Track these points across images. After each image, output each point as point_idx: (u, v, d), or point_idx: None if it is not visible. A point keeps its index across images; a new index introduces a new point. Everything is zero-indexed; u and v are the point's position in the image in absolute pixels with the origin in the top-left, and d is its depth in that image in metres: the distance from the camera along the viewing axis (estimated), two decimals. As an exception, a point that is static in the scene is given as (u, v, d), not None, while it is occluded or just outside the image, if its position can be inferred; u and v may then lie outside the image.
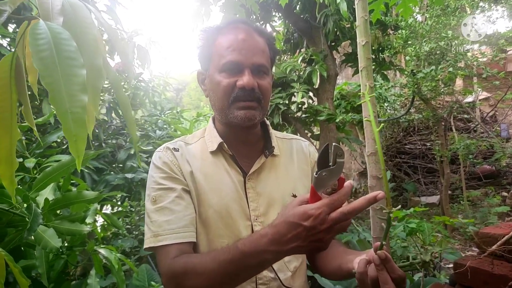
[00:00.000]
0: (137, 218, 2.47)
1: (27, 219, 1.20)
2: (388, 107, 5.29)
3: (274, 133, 1.10)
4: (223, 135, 1.02)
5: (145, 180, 2.88)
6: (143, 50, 2.55)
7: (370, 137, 1.40)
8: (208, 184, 0.96)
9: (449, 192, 4.70)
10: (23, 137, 1.89)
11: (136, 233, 2.41)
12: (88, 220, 1.39)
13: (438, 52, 3.50)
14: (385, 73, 4.49)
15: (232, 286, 0.80)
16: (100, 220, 2.41)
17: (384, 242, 0.75)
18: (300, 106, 4.44)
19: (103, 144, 3.05)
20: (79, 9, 0.60)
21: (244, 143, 1.04)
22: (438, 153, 4.24)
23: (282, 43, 4.97)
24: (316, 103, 4.58)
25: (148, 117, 4.07)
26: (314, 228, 0.67)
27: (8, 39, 2.32)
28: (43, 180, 1.29)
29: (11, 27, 2.44)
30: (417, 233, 1.68)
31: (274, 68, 4.75)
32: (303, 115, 4.54)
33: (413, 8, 1.85)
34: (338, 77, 4.54)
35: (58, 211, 1.36)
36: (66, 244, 1.42)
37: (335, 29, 3.83)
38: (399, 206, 0.79)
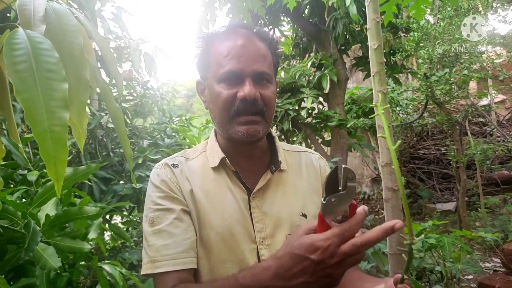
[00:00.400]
0: (145, 229, 2.42)
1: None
2: (400, 112, 5.17)
3: (281, 145, 1.02)
4: (225, 149, 0.95)
5: (153, 189, 2.84)
6: (149, 57, 2.51)
7: (384, 146, 1.33)
8: (209, 203, 0.89)
9: (466, 198, 4.56)
10: (29, 149, 1.85)
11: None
12: (91, 236, 1.34)
13: (452, 54, 3.39)
14: (397, 76, 4.40)
15: None
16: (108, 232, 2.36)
17: (405, 276, 0.68)
18: (310, 111, 4.37)
19: (111, 154, 3.02)
20: (64, 16, 0.55)
21: (248, 157, 0.96)
22: (453, 158, 4.11)
23: (291, 48, 4.92)
24: (326, 108, 4.51)
25: (156, 125, 4.05)
26: (323, 263, 0.60)
27: None
28: (44, 194, 1.24)
29: None
30: (437, 248, 1.59)
31: (282, 73, 4.70)
32: (314, 121, 4.47)
33: (426, 9, 1.78)
34: (348, 81, 4.47)
35: (61, 226, 1.31)
36: (69, 260, 1.37)
37: (345, 33, 3.76)
38: (422, 236, 0.71)
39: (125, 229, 2.72)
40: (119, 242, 2.76)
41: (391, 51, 3.93)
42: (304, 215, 0.92)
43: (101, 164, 1.70)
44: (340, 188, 0.60)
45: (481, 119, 5.58)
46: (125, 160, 3.12)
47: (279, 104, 4.01)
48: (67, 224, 1.45)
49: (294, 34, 4.70)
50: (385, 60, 3.93)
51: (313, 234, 0.62)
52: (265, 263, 0.67)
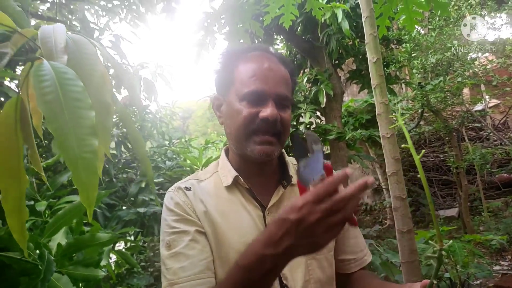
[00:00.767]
0: (152, 254, 2.40)
1: (40, 267, 1.15)
2: (397, 121, 5.22)
3: (290, 160, 1.04)
4: (237, 167, 0.96)
5: (158, 213, 2.82)
6: (149, 82, 2.55)
7: (390, 156, 1.34)
8: (226, 223, 0.90)
9: (468, 203, 4.57)
10: (33, 179, 1.85)
11: (152, 270, 2.33)
12: (102, 263, 1.33)
13: (444, 63, 3.46)
14: (391, 87, 4.46)
15: None
16: (113, 257, 2.34)
17: (434, 281, 0.68)
18: (308, 126, 4.40)
19: (114, 179, 3.02)
20: (83, 45, 0.57)
21: (260, 175, 0.97)
22: (453, 164, 4.14)
23: (285, 65, 4.97)
24: (324, 122, 4.54)
25: (157, 148, 4.06)
26: (303, 220, 0.60)
27: (17, 82, 2.33)
28: (55, 224, 1.24)
29: (19, 69, 2.46)
30: (448, 254, 1.59)
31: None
32: (312, 136, 4.48)
33: (417, 20, 1.83)
34: (343, 94, 4.52)
35: (73, 254, 1.31)
36: (80, 290, 1.36)
37: (338, 48, 3.82)
38: (450, 241, 0.72)
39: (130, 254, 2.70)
40: (123, 268, 2.74)
41: (385, 63, 3.99)
42: None
43: (111, 190, 1.70)
44: (308, 154, 0.63)
45: (477, 124, 5.64)
46: (128, 185, 3.11)
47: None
48: (74, 253, 1.45)
49: (288, 52, 4.77)
50: (379, 72, 4.01)
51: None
52: (256, 237, 0.69)
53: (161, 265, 0.89)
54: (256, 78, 0.88)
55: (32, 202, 1.62)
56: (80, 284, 1.31)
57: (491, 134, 5.66)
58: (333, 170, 0.65)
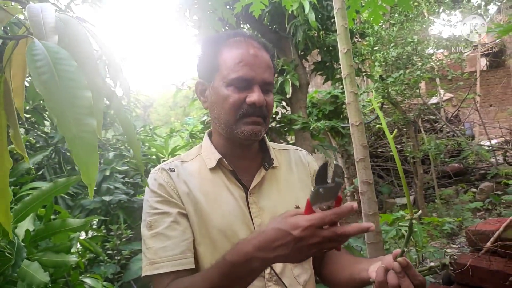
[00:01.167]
0: (118, 242, 2.36)
1: (7, 254, 1.12)
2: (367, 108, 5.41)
3: (271, 144, 1.07)
4: (221, 150, 0.99)
5: (123, 202, 2.78)
6: (115, 66, 2.46)
7: (358, 143, 1.41)
8: (209, 203, 0.93)
9: (423, 191, 4.84)
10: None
11: (118, 258, 2.30)
12: (73, 249, 1.31)
13: (405, 56, 3.62)
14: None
15: None
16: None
17: (405, 249, 0.74)
18: (274, 116, 4.45)
19: (76, 167, 2.93)
20: (73, 26, 0.56)
21: (243, 158, 1.01)
22: (410, 154, 4.36)
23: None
24: (289, 112, 4.61)
25: (120, 136, 3.96)
26: (303, 240, 0.66)
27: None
28: (22, 210, 1.20)
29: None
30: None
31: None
32: (278, 125, 4.56)
33: (382, 15, 1.90)
34: (308, 85, 4.60)
35: (43, 240, 1.27)
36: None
37: (305, 39, 3.89)
38: (420, 212, 0.79)
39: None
40: (84, 259, 2.67)
41: (348, 55, 4.10)
42: (298, 207, 0.97)
43: (79, 176, 1.65)
44: (329, 181, 0.67)
45: (432, 117, 5.95)
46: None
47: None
48: (43, 240, 1.41)
49: (255, 41, 4.79)
50: (343, 64, 4.12)
51: (299, 215, 0.69)
52: (249, 237, 0.73)
53: (142, 244, 0.91)
54: (243, 64, 0.90)
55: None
56: (50, 271, 1.29)
57: (445, 126, 6.00)
58: (341, 202, 0.69)
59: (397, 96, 4.04)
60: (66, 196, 2.62)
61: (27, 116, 2.64)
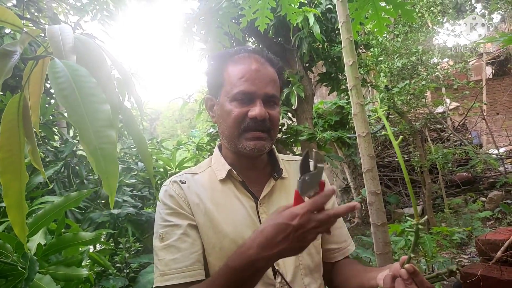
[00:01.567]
0: (127, 255, 2.37)
1: (19, 268, 1.13)
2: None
3: (279, 156, 1.09)
4: (231, 162, 1.01)
5: (131, 215, 2.79)
6: (126, 79, 2.51)
7: (365, 154, 1.42)
8: (220, 214, 0.94)
9: (431, 201, 4.80)
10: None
11: (127, 271, 2.31)
12: (83, 263, 1.32)
13: (409, 67, 3.64)
14: (360, 90, 4.61)
15: None
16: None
17: (412, 255, 0.75)
18: (280, 127, 4.47)
19: (85, 181, 2.96)
20: (90, 45, 0.59)
21: (253, 169, 1.03)
22: (417, 163, 4.34)
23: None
24: (295, 123, 4.64)
25: (128, 150, 3.99)
26: (302, 227, 0.68)
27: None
28: (35, 224, 1.22)
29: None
30: (419, 245, 1.69)
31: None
32: (284, 136, 4.57)
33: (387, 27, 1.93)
34: (314, 96, 4.63)
35: (54, 254, 1.29)
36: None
37: (309, 51, 3.93)
38: (426, 217, 0.79)
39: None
40: (94, 271, 2.68)
41: (353, 66, 4.13)
42: None
43: (93, 189, 1.68)
44: (311, 169, 0.70)
45: (439, 126, 5.94)
46: (101, 186, 3.05)
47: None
48: (55, 253, 1.42)
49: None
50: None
51: (291, 207, 0.71)
52: (248, 240, 0.74)
53: (154, 255, 0.93)
54: (244, 80, 0.93)
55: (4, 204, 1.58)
56: (61, 284, 1.30)
57: (452, 135, 5.98)
58: (324, 187, 0.72)
59: (403, 106, 4.04)
60: (76, 210, 2.64)
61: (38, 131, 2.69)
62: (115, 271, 2.29)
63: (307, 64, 4.36)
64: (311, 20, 3.26)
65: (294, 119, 4.64)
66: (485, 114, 6.99)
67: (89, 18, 3.04)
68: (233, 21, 2.24)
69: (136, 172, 3.54)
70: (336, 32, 3.91)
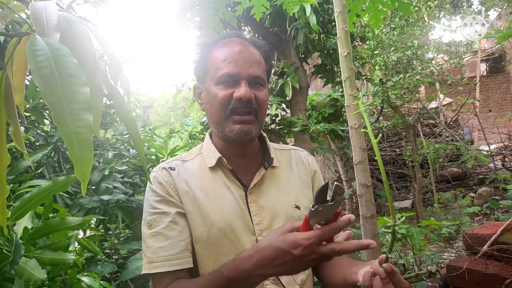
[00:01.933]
0: (117, 241, 2.37)
1: (5, 251, 1.12)
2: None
3: (271, 145, 1.08)
4: (221, 150, 1.00)
5: (121, 201, 2.78)
6: (116, 65, 2.47)
7: (357, 146, 1.42)
8: (209, 201, 0.94)
9: (421, 195, 4.85)
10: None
11: (116, 257, 2.30)
12: (71, 248, 1.32)
13: (405, 61, 3.63)
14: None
15: None
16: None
17: (389, 255, 0.75)
18: (274, 118, 4.46)
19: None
20: (75, 24, 0.57)
21: (243, 157, 1.02)
22: (409, 158, 4.37)
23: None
24: (289, 114, 4.62)
25: (119, 136, 3.96)
26: (302, 257, 0.68)
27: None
28: (21, 208, 1.21)
29: None
30: (407, 238, 1.70)
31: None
32: (277, 127, 4.56)
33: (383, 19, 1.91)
34: (308, 88, 4.61)
35: (41, 238, 1.28)
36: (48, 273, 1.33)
37: (305, 42, 3.90)
38: (403, 218, 0.79)
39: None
40: (81, 258, 2.68)
41: (348, 59, 4.11)
42: (298, 207, 0.98)
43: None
44: (328, 199, 0.67)
45: (431, 121, 5.96)
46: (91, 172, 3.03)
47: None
48: (42, 237, 1.41)
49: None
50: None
51: (297, 232, 0.70)
52: (246, 255, 0.74)
53: (142, 242, 0.92)
54: (228, 61, 0.92)
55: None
56: (48, 269, 1.29)
57: (444, 130, 6.01)
58: (339, 216, 0.70)
59: (397, 100, 4.05)
60: (65, 195, 2.62)
61: (27, 114, 2.65)
62: (104, 257, 2.29)
63: (303, 55, 4.33)
64: (308, 10, 3.23)
65: (288, 110, 4.63)
66: (477, 110, 7.04)
67: (82, 1, 2.97)
68: (229, 8, 2.21)
69: (127, 159, 3.52)
70: (333, 24, 3.88)
